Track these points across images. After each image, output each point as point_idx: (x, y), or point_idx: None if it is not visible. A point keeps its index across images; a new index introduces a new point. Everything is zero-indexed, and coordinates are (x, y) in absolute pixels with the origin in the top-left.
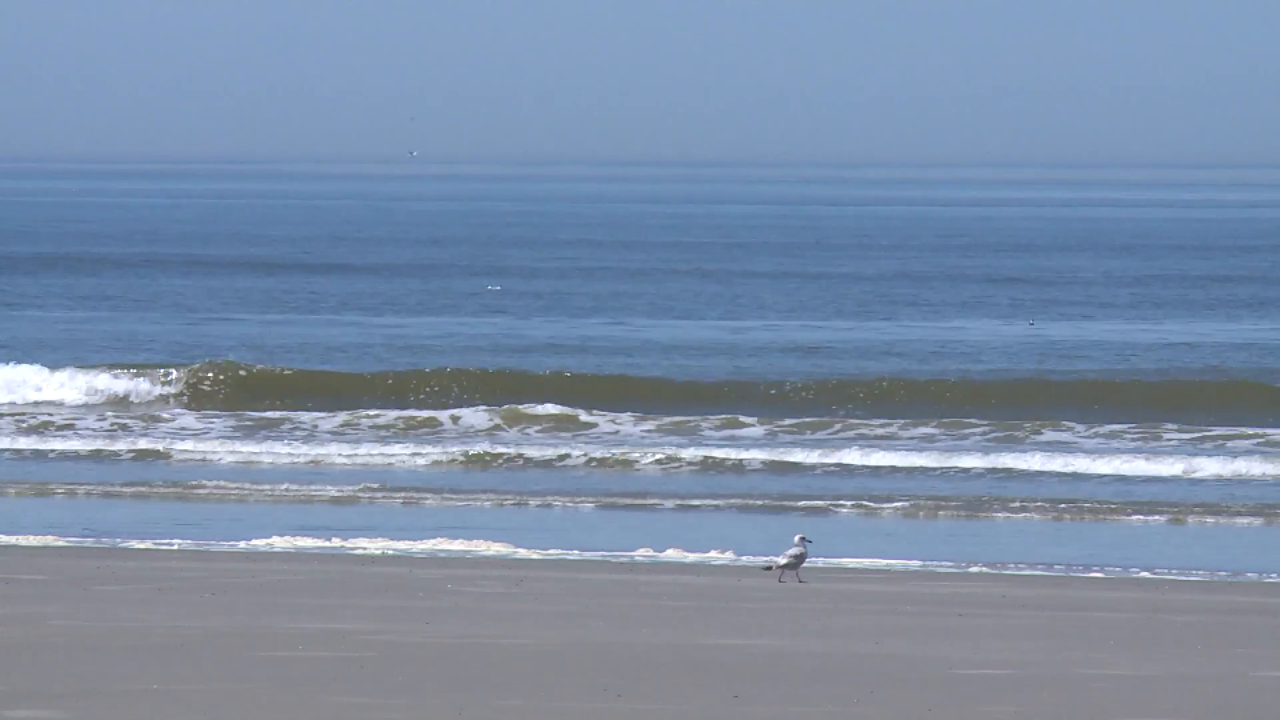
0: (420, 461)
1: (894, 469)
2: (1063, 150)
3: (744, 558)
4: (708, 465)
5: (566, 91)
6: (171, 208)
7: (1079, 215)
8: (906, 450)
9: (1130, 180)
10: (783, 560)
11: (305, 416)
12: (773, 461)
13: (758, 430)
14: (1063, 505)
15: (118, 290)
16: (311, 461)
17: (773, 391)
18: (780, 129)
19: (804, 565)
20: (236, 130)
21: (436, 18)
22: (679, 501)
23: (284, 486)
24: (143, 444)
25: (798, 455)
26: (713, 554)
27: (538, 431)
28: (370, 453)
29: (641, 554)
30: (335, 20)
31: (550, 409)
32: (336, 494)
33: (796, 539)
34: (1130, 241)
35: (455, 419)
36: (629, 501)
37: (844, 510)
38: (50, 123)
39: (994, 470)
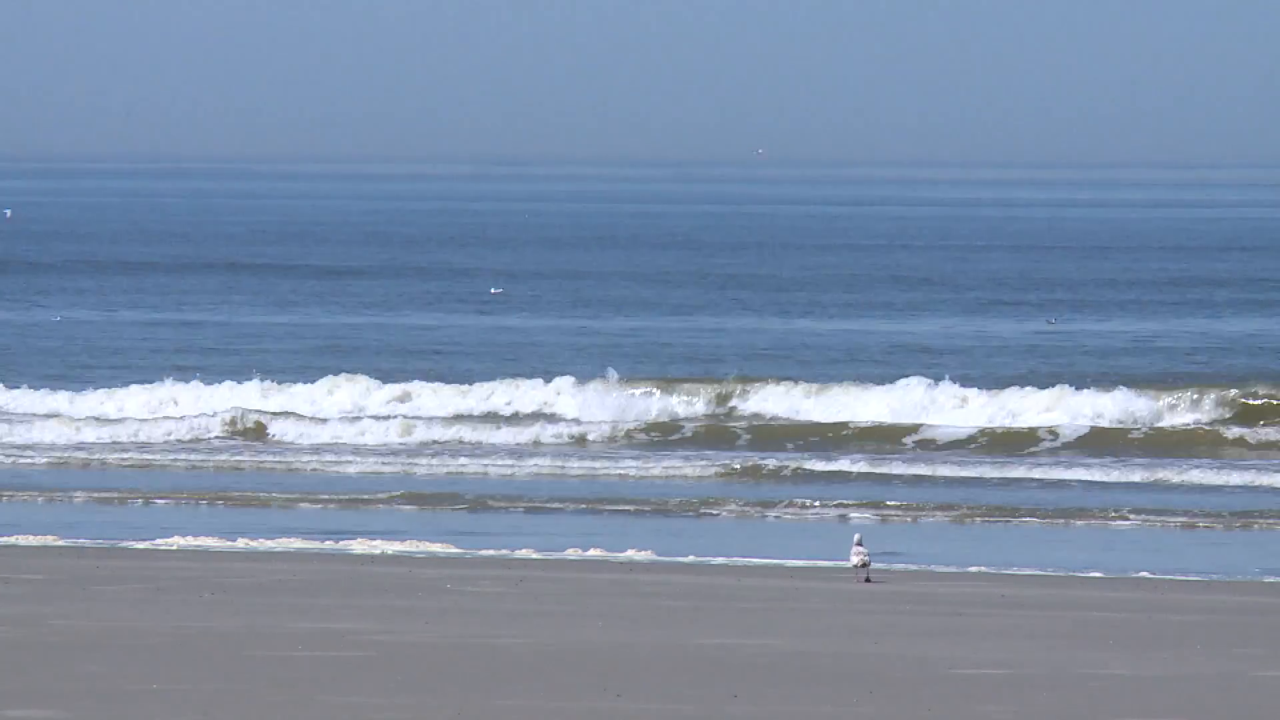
0: None
1: None
2: (1059, 150)
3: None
4: None
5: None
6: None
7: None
8: None
9: (1126, 180)
10: (861, 561)
11: None
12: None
13: None
14: None
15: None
16: None
17: None
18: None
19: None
20: (240, 130)
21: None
22: None
23: None
24: None
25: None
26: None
27: None
28: None
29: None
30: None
31: None
32: None
33: (857, 538)
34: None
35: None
36: None
37: None
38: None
39: None
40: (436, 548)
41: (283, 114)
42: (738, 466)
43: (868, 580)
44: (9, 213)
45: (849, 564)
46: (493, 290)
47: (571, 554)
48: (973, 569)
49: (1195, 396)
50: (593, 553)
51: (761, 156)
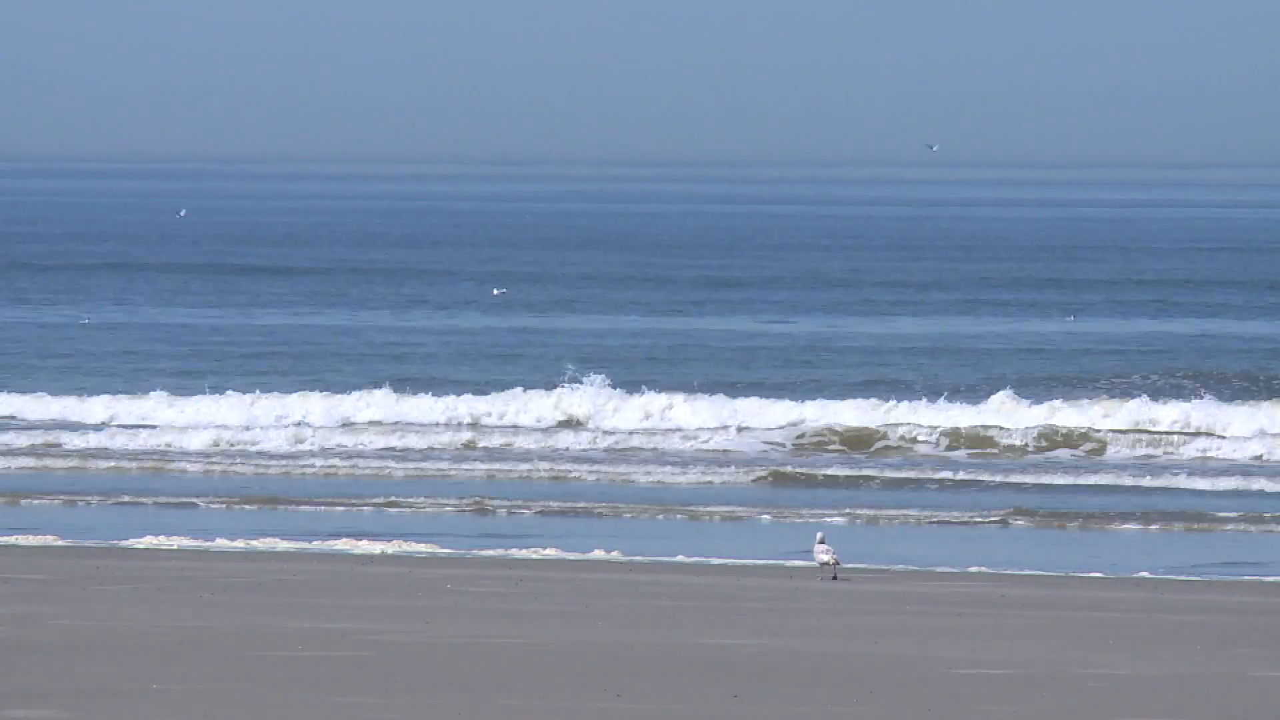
0: None
1: None
2: (1055, 150)
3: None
4: None
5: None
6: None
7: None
8: None
9: (1124, 180)
10: (832, 560)
11: None
12: None
13: None
14: None
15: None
16: None
17: None
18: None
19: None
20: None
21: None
22: None
23: None
24: None
25: None
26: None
27: None
28: None
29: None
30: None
31: None
32: None
33: (820, 536)
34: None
35: None
36: None
37: None
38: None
39: None
40: (423, 548)
41: (283, 114)
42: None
43: (835, 578)
44: (183, 212)
45: (814, 563)
46: (495, 291)
47: (549, 553)
48: (973, 569)
49: None
50: (549, 551)
51: (934, 153)
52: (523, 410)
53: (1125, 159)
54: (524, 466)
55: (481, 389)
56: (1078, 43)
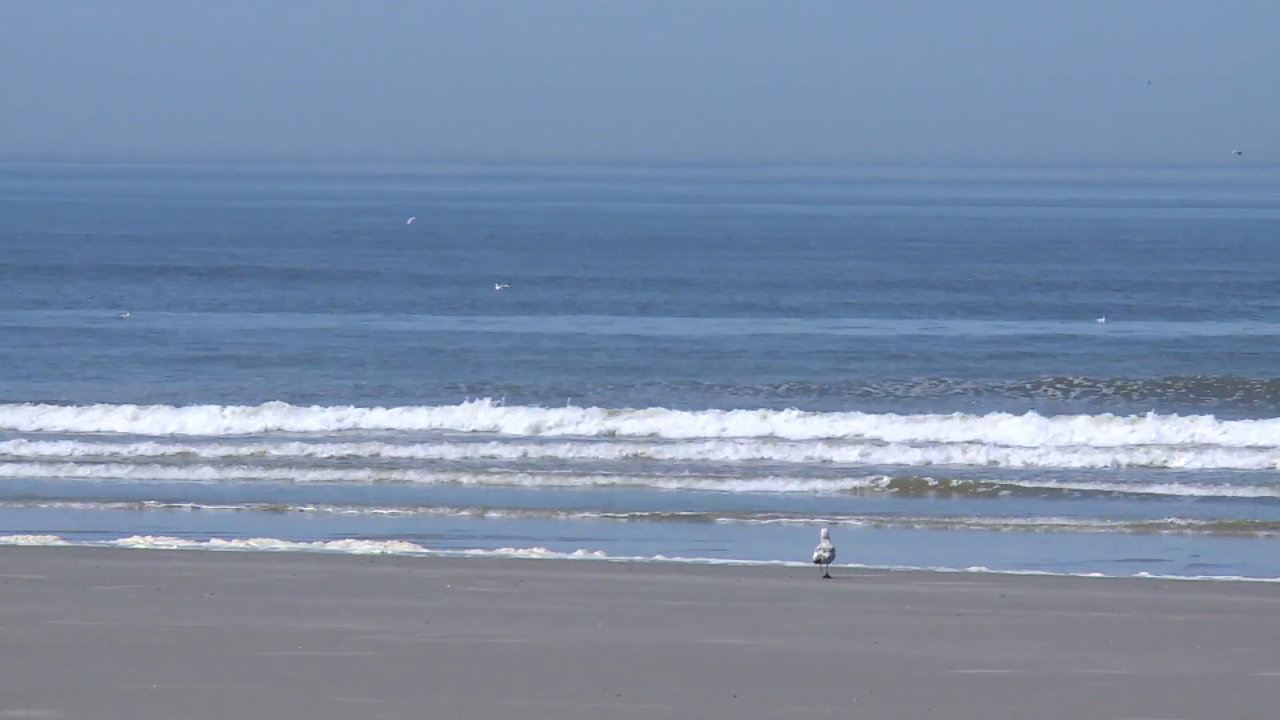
0: None
1: None
2: (1054, 150)
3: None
4: None
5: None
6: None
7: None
8: None
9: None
10: (826, 554)
11: None
12: None
13: None
14: None
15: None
16: None
17: None
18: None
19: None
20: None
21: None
22: None
23: None
24: None
25: None
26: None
27: None
28: None
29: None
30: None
31: None
32: None
33: (824, 532)
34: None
35: None
36: None
37: None
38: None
39: None
40: (404, 547)
41: (284, 113)
42: None
43: (827, 576)
44: (413, 219)
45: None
46: (497, 287)
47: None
48: (973, 569)
49: None
50: (538, 552)
51: (1238, 158)
52: None
53: None
54: None
55: None
56: (1071, 42)
